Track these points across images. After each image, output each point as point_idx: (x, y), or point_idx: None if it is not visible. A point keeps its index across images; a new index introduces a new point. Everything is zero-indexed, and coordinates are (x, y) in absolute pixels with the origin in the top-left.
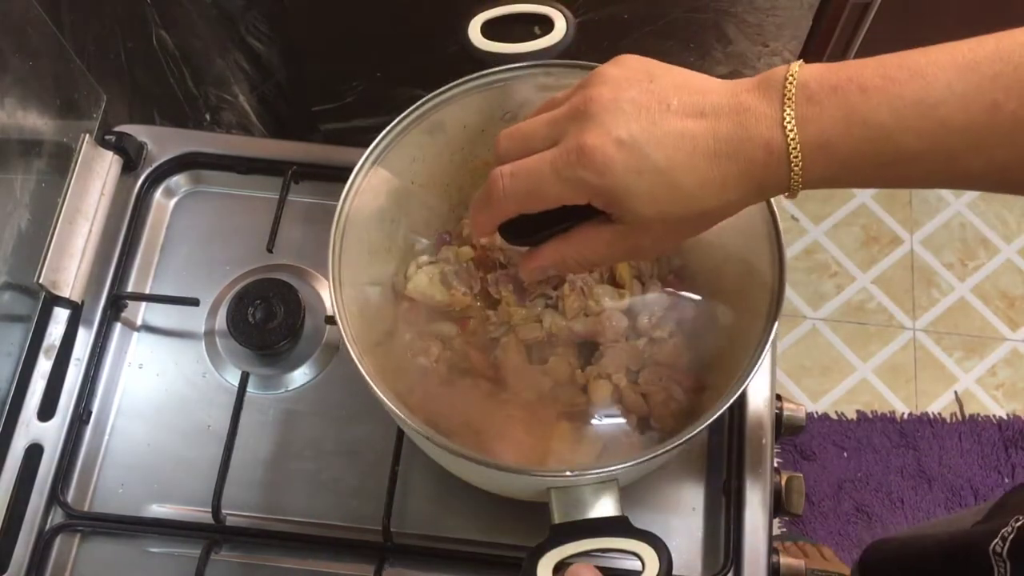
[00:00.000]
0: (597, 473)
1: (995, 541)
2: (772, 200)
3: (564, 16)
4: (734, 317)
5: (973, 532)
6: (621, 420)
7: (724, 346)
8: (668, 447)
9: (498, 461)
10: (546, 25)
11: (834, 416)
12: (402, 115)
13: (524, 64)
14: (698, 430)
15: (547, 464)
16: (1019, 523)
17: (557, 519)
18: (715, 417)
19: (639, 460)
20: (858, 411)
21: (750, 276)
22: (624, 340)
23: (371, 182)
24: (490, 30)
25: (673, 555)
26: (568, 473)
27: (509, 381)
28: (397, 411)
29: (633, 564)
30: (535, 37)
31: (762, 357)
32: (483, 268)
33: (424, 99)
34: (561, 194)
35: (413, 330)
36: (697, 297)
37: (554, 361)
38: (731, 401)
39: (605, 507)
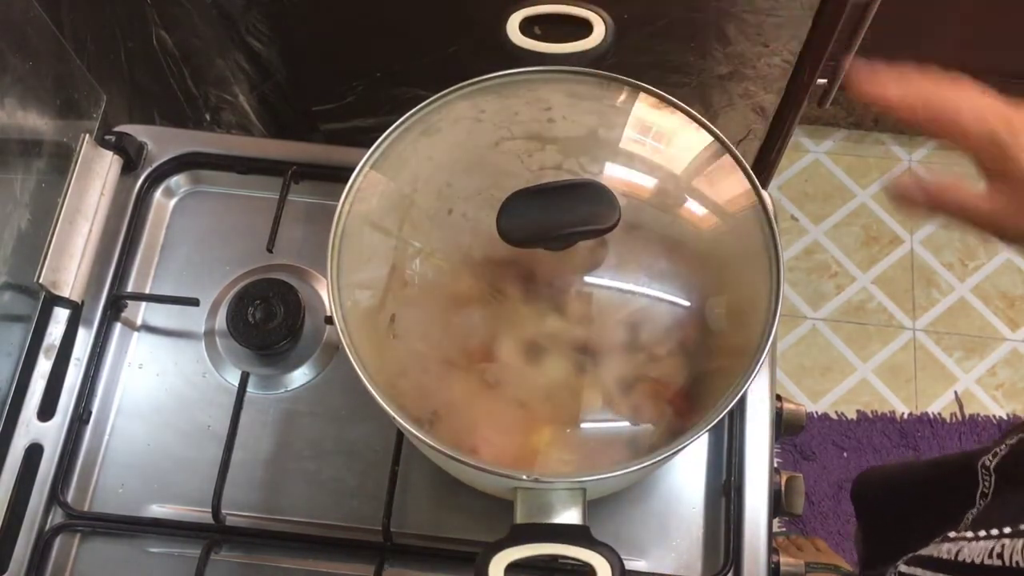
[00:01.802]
0: (565, 481)
1: (986, 456)
2: (770, 205)
3: (603, 20)
4: (730, 340)
5: (967, 453)
6: (607, 430)
7: (719, 369)
8: (637, 466)
9: (468, 456)
10: (584, 28)
11: (834, 416)
12: (403, 117)
13: (519, 71)
14: (670, 453)
15: (529, 465)
16: (1013, 441)
17: (519, 519)
18: (685, 445)
19: (606, 475)
20: (858, 411)
21: (747, 294)
22: (623, 353)
23: (371, 184)
24: (527, 27)
25: (673, 555)
26: (525, 477)
27: (503, 377)
28: (388, 407)
29: None
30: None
31: (741, 391)
32: (491, 262)
33: (426, 102)
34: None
35: (414, 320)
36: (699, 315)
37: (550, 363)
38: (703, 432)
39: (570, 515)
